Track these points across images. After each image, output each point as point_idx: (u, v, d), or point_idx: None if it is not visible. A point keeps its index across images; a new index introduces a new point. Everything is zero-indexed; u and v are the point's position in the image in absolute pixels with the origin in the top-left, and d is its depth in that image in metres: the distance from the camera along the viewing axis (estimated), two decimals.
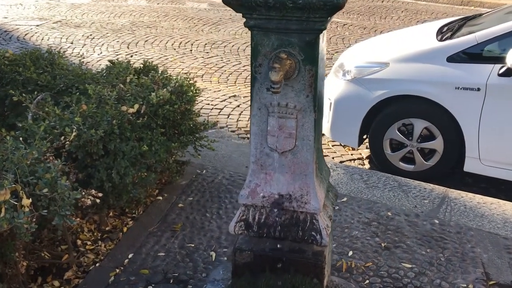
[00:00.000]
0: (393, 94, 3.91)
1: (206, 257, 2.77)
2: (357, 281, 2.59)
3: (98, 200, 2.45)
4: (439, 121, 3.85)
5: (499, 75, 3.57)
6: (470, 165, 3.83)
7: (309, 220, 1.85)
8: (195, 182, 3.52)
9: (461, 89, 3.69)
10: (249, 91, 7.23)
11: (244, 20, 1.70)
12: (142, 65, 3.59)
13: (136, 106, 2.86)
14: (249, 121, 5.51)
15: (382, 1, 11.19)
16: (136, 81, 3.14)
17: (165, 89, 3.05)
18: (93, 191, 2.47)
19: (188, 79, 3.43)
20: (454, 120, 3.77)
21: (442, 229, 3.06)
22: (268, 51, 1.70)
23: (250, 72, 1.82)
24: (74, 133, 2.51)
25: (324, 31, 1.70)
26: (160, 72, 3.45)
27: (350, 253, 2.81)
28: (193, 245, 2.86)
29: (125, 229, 3.01)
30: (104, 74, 3.40)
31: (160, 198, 3.32)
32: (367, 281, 2.59)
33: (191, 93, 3.18)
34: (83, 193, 2.42)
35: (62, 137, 2.57)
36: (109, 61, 3.61)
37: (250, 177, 1.90)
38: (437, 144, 3.91)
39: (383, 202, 3.34)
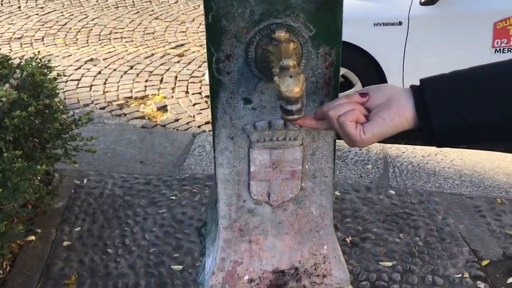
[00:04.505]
0: None
1: None
2: None
3: None
4: (356, 65, 3.28)
5: (422, 3, 3.05)
6: None
7: None
8: (77, 201, 2.54)
9: (380, 25, 3.13)
10: (109, 50, 5.85)
11: None
12: None
13: None
14: (119, 90, 4.47)
15: None
16: None
17: (7, 85, 1.98)
18: None
19: (38, 59, 2.34)
20: (374, 62, 3.24)
21: (402, 201, 2.55)
22: (244, 27, 0.84)
23: (207, 70, 0.94)
24: None
25: None
26: None
27: None
28: None
29: None
30: None
31: (33, 237, 2.30)
32: None
33: (49, 84, 2.13)
34: None
35: None
36: None
37: (221, 253, 1.07)
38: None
39: None
